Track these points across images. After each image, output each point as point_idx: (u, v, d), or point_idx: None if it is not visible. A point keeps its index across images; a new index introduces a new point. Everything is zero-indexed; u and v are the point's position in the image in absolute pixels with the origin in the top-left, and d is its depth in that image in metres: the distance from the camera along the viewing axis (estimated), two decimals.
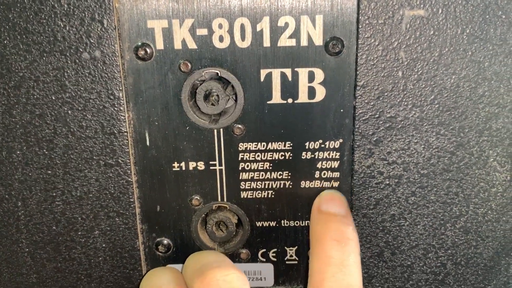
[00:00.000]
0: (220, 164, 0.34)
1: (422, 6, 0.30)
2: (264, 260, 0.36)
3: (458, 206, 0.34)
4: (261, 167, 0.34)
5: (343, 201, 0.33)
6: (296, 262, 0.36)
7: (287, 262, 0.36)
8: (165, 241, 0.35)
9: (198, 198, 0.34)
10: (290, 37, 0.31)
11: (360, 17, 0.30)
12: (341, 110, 0.32)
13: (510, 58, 0.30)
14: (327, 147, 0.33)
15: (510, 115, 0.32)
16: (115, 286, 0.36)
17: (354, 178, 0.33)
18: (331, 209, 0.33)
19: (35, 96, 0.32)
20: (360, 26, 0.30)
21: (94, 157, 0.33)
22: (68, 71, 0.31)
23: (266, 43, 0.31)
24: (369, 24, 0.30)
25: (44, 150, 0.33)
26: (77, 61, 0.31)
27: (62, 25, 0.30)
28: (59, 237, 0.35)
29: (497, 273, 0.35)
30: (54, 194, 0.34)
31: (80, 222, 0.35)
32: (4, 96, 0.32)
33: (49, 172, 0.33)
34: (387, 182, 0.33)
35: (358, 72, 0.31)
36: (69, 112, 0.32)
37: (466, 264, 0.35)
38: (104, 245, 0.35)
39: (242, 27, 0.30)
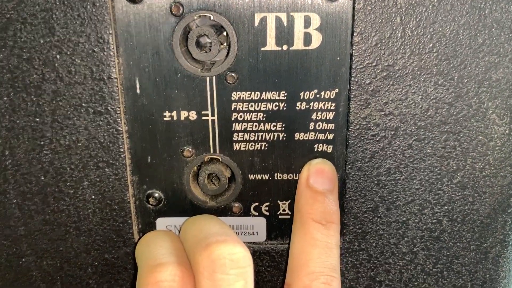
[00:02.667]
0: (213, 114, 0.33)
1: None
2: (257, 214, 0.35)
3: (456, 160, 0.33)
4: (254, 117, 0.33)
5: (332, 174, 0.33)
6: (289, 216, 0.35)
7: (279, 217, 0.35)
8: (156, 194, 0.35)
9: (190, 149, 0.34)
10: None
11: None
12: (338, 58, 0.31)
13: None
14: (322, 97, 0.32)
15: (511, 65, 0.31)
16: (104, 239, 0.36)
17: (350, 129, 0.33)
18: (319, 185, 0.32)
19: (22, 39, 0.31)
20: None
21: (83, 104, 0.32)
22: (57, 13, 0.30)
23: None
24: None
25: (32, 96, 0.32)
26: (65, 2, 0.30)
27: None
28: (47, 188, 0.34)
29: (493, 231, 0.35)
30: (42, 142, 0.33)
31: (68, 172, 0.34)
32: None
33: (37, 119, 0.33)
34: (383, 134, 0.33)
35: (355, 18, 0.30)
36: (58, 56, 0.31)
37: (462, 220, 0.35)
38: (93, 196, 0.34)
39: None
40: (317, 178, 0.33)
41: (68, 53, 0.31)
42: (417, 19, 0.30)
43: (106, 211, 0.35)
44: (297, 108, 0.32)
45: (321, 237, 0.31)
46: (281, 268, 0.36)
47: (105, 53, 0.31)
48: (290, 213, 0.35)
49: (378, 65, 0.31)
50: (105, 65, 0.31)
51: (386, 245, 0.35)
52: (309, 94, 0.32)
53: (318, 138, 0.33)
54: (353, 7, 0.30)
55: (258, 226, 0.35)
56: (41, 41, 0.31)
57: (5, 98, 0.32)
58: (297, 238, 0.32)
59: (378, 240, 0.35)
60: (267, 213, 0.35)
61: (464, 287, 0.36)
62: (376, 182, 0.34)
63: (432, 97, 0.32)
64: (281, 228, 0.35)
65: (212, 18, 0.31)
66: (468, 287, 0.36)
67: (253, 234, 0.36)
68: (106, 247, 0.36)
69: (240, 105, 0.33)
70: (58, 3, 0.30)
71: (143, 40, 0.31)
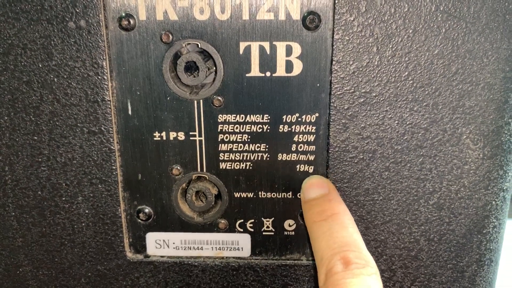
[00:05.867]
0: (200, 135, 0.35)
1: None
2: (242, 230, 0.37)
3: (432, 182, 0.34)
4: (239, 139, 0.35)
5: (321, 182, 0.34)
6: (272, 233, 0.37)
7: (263, 233, 0.37)
8: (146, 209, 0.36)
9: (179, 168, 0.35)
10: (268, 10, 0.31)
11: None
12: (318, 85, 0.33)
13: (483, 36, 0.31)
14: (303, 120, 0.34)
15: (483, 93, 0.32)
16: (97, 252, 0.37)
17: (330, 151, 0.34)
18: (311, 195, 0.34)
19: (22, 63, 0.33)
20: (336, 1, 0.31)
21: (78, 124, 0.34)
22: (55, 40, 0.32)
23: (245, 16, 0.32)
24: None
25: (31, 116, 0.34)
26: (63, 30, 0.32)
27: None
28: (44, 202, 0.36)
29: (469, 250, 0.36)
30: (40, 159, 0.35)
31: (64, 188, 0.36)
32: None
33: (35, 138, 0.35)
34: (361, 157, 0.34)
35: (334, 47, 0.32)
36: (55, 79, 0.33)
37: (439, 240, 0.36)
38: (87, 211, 0.36)
39: (221, 1, 0.31)
40: (308, 192, 0.34)
41: (65, 76, 0.33)
42: (393, 49, 0.32)
43: (99, 225, 0.37)
44: (280, 130, 0.34)
45: (325, 229, 0.31)
46: (265, 283, 0.38)
47: (99, 77, 0.33)
48: (273, 230, 0.37)
49: (355, 92, 0.33)
50: (99, 88, 0.33)
51: None
52: (291, 117, 0.34)
53: (300, 159, 0.35)
54: (332, 37, 0.32)
55: (243, 242, 0.37)
56: (40, 65, 0.33)
57: (5, 118, 0.34)
58: (313, 244, 0.33)
59: None
60: (252, 230, 0.37)
61: None
62: (355, 202, 0.35)
63: (408, 122, 0.33)
64: (265, 244, 0.37)
65: (199, 46, 0.32)
66: None
67: (238, 250, 0.37)
68: (99, 259, 0.38)
69: (226, 126, 0.34)
70: (56, 31, 0.32)
71: (135, 65, 0.33)
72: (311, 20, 0.31)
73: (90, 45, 0.32)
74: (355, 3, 0.31)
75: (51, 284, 0.39)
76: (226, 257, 0.37)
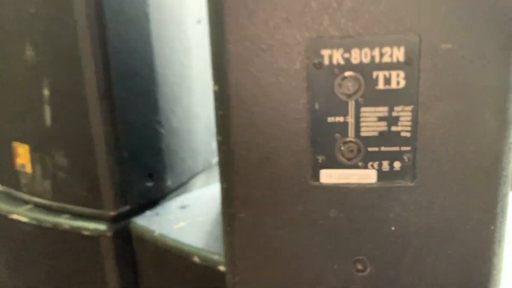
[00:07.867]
0: (351, 118, 0.68)
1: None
2: (371, 168, 0.70)
3: None
4: (371, 120, 0.68)
5: None
6: (388, 169, 0.70)
7: (383, 169, 0.70)
8: (322, 157, 0.70)
9: (339, 135, 0.69)
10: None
11: None
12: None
13: None
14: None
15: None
16: (294, 182, 0.71)
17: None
18: None
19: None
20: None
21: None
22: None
23: (377, 60, 0.65)
24: None
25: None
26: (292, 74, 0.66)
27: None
28: None
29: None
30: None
31: None
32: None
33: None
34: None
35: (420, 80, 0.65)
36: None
37: None
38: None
39: (365, 53, 0.64)
40: None
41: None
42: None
43: (298, 165, 0.71)
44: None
45: None
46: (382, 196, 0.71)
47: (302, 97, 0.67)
48: (388, 167, 0.70)
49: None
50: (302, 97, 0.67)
51: None
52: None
53: None
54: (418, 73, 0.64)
55: (372, 174, 0.70)
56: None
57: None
58: None
59: None
60: (377, 168, 0.70)
61: None
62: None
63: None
64: (383, 173, 0.70)
65: (352, 75, 0.66)
66: None
67: (369, 179, 0.71)
68: (293, 184, 0.72)
69: (364, 114, 0.68)
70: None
71: (320, 87, 0.67)
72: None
73: (297, 77, 0.66)
74: None
75: (261, 198, 0.73)
76: (363, 183, 0.71)
